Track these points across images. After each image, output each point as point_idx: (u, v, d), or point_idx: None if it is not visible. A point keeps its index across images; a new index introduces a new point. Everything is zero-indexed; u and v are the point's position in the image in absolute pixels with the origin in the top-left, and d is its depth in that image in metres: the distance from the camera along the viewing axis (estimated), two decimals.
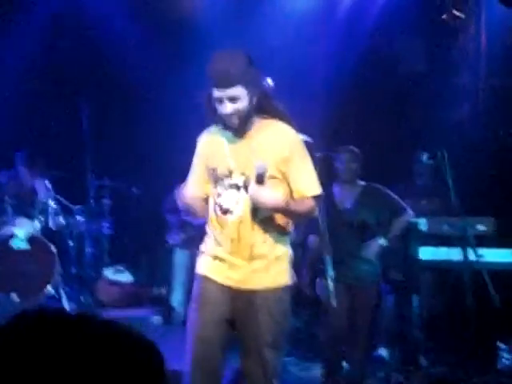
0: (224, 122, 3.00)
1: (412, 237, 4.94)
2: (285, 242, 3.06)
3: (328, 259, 3.94)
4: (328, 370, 4.59)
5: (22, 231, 5.64)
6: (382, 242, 4.56)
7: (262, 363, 2.92)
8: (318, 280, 4.47)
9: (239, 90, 2.87)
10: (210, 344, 2.95)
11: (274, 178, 2.94)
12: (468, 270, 4.39)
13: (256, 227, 2.96)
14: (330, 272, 3.89)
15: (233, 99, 2.88)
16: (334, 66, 6.43)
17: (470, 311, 4.31)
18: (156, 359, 1.02)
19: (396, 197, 4.68)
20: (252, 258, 2.97)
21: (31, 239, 5.66)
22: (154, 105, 6.59)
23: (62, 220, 5.99)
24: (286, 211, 2.95)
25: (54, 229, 5.93)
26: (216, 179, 3.03)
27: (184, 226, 5.57)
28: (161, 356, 1.04)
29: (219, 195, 3.01)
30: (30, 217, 5.84)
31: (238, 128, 2.98)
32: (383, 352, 5.19)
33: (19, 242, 5.63)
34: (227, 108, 2.89)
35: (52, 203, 5.94)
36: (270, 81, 3.17)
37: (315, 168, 3.10)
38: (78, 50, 6.76)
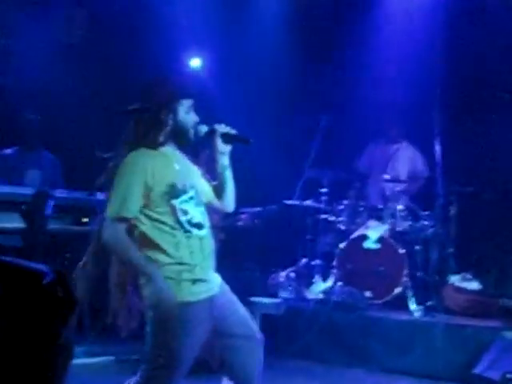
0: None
1: None
2: None
3: None
4: None
5: (374, 233, 5.88)
6: None
7: None
8: None
9: None
10: None
11: None
12: None
13: None
14: None
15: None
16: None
17: None
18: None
19: None
20: None
21: (381, 240, 5.87)
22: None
23: (409, 224, 6.09)
24: None
25: (400, 232, 6.07)
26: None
27: None
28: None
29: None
30: (381, 219, 6.07)
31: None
32: None
33: (371, 244, 5.89)
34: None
35: (401, 208, 6.09)
36: None
37: None
38: None
